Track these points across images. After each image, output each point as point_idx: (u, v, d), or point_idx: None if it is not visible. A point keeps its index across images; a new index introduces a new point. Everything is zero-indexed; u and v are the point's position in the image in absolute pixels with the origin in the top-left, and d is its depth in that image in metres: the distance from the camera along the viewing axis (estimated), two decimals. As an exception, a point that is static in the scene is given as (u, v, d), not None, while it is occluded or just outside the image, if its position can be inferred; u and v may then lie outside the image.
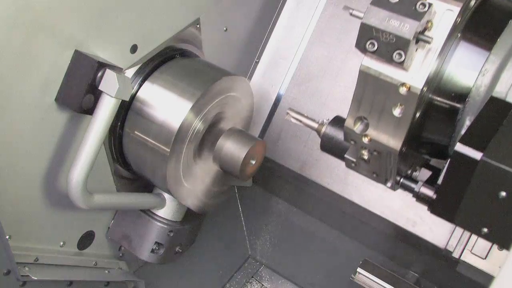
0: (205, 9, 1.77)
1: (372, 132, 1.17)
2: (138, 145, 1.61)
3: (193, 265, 2.24)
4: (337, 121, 1.45)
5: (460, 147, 1.01)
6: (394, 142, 1.15)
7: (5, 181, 1.35)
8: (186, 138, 1.59)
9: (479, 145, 1.00)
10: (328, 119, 1.47)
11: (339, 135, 1.40)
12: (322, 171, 2.21)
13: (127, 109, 1.59)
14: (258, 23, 2.15)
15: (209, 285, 2.34)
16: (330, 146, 1.44)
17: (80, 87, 1.34)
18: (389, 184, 1.31)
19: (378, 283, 1.92)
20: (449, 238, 1.96)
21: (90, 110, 1.39)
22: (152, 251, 1.78)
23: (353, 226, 2.20)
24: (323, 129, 1.45)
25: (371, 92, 1.12)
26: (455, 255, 1.90)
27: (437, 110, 1.16)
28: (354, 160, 1.31)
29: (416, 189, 1.25)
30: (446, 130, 1.19)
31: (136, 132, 1.60)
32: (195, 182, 1.74)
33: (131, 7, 1.45)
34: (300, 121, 1.52)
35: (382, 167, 1.27)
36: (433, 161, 1.42)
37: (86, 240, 1.73)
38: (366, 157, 1.26)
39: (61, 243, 1.62)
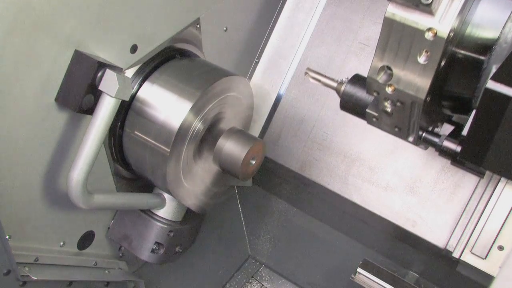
0: (205, 9, 1.77)
1: (396, 81, 1.14)
2: (138, 145, 1.61)
3: (193, 265, 2.24)
4: (357, 79, 1.42)
5: (492, 85, 0.98)
6: (419, 90, 1.12)
7: (5, 181, 1.35)
8: (186, 138, 1.59)
9: None
10: (348, 78, 1.44)
11: (358, 92, 1.38)
12: (322, 171, 2.21)
13: (127, 109, 1.59)
14: (258, 23, 2.15)
15: (209, 285, 2.34)
16: (350, 105, 1.41)
17: (80, 87, 1.34)
18: (411, 139, 1.29)
19: (378, 283, 1.92)
20: (449, 238, 1.96)
21: (90, 110, 1.39)
22: (152, 251, 1.78)
23: (353, 226, 2.20)
24: (343, 88, 1.42)
25: (396, 40, 1.09)
26: (455, 255, 1.90)
27: (462, 60, 1.13)
28: (376, 114, 1.29)
29: (439, 143, 1.24)
30: (471, 81, 1.16)
31: (136, 132, 1.60)
32: (195, 182, 1.74)
33: (131, 7, 1.45)
34: (319, 80, 1.49)
35: (405, 120, 1.24)
36: (454, 117, 1.40)
37: (86, 240, 1.72)
38: (389, 109, 1.23)
39: (61, 243, 1.62)
